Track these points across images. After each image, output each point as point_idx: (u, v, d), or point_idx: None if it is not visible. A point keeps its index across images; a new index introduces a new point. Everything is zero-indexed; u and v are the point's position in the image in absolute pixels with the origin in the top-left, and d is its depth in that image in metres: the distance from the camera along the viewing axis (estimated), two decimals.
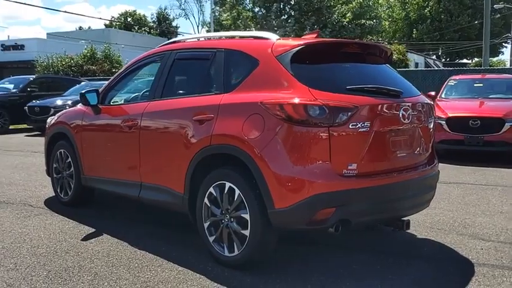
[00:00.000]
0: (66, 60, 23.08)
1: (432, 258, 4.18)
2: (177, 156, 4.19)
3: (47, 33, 55.93)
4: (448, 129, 9.57)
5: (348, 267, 3.93)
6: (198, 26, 67.48)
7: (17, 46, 37.85)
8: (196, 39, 4.74)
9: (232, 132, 3.75)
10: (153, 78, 4.78)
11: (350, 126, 3.50)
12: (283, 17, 17.65)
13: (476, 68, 21.62)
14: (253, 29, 18.58)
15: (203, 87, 4.26)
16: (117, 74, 5.46)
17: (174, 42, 4.88)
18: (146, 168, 4.62)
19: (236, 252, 3.79)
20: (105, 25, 58.05)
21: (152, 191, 4.55)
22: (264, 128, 3.57)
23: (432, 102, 4.39)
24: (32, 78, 17.58)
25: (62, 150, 5.88)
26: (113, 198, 6.00)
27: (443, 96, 11.05)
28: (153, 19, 67.49)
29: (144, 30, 63.07)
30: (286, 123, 3.49)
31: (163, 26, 63.34)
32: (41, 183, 7.13)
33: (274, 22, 17.44)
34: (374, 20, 20.38)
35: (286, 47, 3.81)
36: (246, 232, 3.69)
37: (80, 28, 60.38)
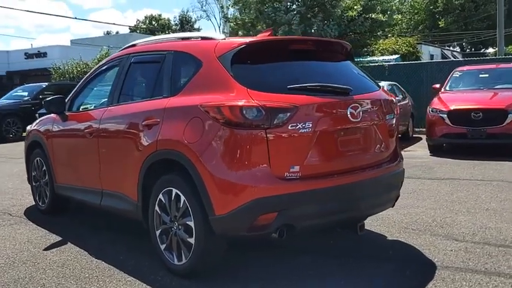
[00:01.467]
0: (81, 66, 23.29)
1: (393, 262, 3.99)
2: (130, 162, 4.10)
3: (71, 40, 56.93)
4: (449, 123, 9.29)
5: (301, 270, 3.78)
6: (219, 27, 67.68)
7: (40, 54, 38.50)
8: (152, 42, 4.63)
9: (174, 137, 3.64)
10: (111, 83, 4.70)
11: (289, 127, 3.33)
12: (290, 13, 17.36)
13: (489, 58, 20.98)
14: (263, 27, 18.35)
15: (154, 90, 4.15)
16: (83, 79, 5.41)
17: (133, 45, 4.79)
18: (105, 175, 4.55)
19: (184, 260, 3.67)
20: (130, 30, 58.69)
21: (112, 199, 4.48)
22: (203, 131, 3.44)
23: (392, 98, 4.18)
24: (44, 86, 17.81)
25: (38, 159, 5.88)
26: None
27: (447, 88, 10.70)
28: (176, 22, 67.93)
29: (168, 33, 63.43)
30: (223, 127, 3.35)
31: (186, 29, 63.68)
32: (29, 192, 7.14)
33: (282, 19, 17.19)
34: (385, 13, 19.98)
35: (228, 47, 3.67)
36: (192, 240, 3.57)
37: (108, 33, 61.14)
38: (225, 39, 3.94)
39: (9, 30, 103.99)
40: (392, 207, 4.20)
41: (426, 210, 5.44)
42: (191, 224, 3.56)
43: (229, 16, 20.69)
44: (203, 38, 4.08)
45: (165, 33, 61.93)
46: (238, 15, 20.15)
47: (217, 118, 3.38)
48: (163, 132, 3.75)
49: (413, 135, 13.08)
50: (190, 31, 60.29)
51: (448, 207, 5.55)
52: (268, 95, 3.39)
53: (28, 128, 6.32)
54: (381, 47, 20.56)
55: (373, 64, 16.83)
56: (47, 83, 18.68)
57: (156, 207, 3.87)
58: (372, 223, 4.93)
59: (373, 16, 19.32)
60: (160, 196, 3.81)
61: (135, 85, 4.57)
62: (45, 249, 4.57)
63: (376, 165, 3.86)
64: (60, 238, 4.88)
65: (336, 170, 3.59)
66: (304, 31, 17.24)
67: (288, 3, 18.27)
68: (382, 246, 4.42)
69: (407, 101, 12.75)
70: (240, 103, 3.32)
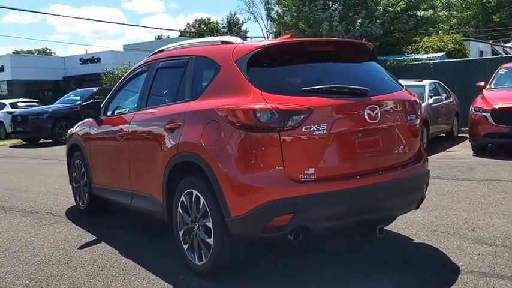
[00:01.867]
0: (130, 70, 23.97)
1: (418, 265, 3.92)
2: (155, 164, 4.23)
3: (123, 46, 58.61)
4: (493, 122, 8.98)
5: (320, 272, 3.79)
6: (266, 28, 67.85)
7: (94, 59, 39.95)
8: (178, 47, 4.75)
9: (194, 140, 3.74)
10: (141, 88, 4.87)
11: (303, 130, 3.35)
12: (328, 11, 17.15)
13: None
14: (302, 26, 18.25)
15: (177, 94, 4.27)
16: (117, 84, 5.61)
17: (161, 51, 4.93)
18: (135, 176, 4.71)
19: (204, 260, 3.76)
20: (180, 34, 59.78)
21: (141, 200, 4.63)
22: (219, 134, 3.52)
23: (415, 98, 4.09)
24: (95, 90, 18.46)
25: (77, 161, 6.14)
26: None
27: (492, 86, 10.34)
28: (224, 24, 68.58)
29: (215, 36, 63.98)
30: (238, 129, 3.41)
31: (234, 31, 64.20)
32: None
33: (320, 18, 17.05)
34: (431, 10, 19.41)
35: (245, 50, 3.72)
36: (211, 241, 3.65)
37: (159, 38, 62.46)
38: (243, 42, 4.00)
39: (67, 36, 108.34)
40: (417, 209, 4.13)
41: (459, 212, 5.30)
42: (210, 225, 3.64)
43: (273, 17, 20.72)
44: (223, 42, 4.15)
45: (211, 37, 62.70)
46: (282, 16, 20.14)
47: (232, 121, 3.44)
48: (184, 135, 3.86)
49: (459, 135, 12.69)
50: (237, 33, 60.79)
51: (483, 209, 5.39)
52: (283, 97, 3.42)
53: (69, 131, 6.60)
54: (425, 45, 20.01)
55: (417, 62, 16.46)
56: (97, 88, 19.35)
57: (179, 208, 3.98)
58: (401, 225, 4.87)
59: (418, 13, 18.83)
60: (183, 197, 3.92)
61: (161, 89, 4.70)
62: (79, 248, 4.77)
63: (397, 166, 3.81)
64: (94, 237, 5.09)
65: (353, 171, 3.57)
66: (346, 29, 17.05)
67: (327, 2, 18.06)
68: (407, 249, 4.35)
69: (451, 99, 12.40)
70: (254, 106, 3.37)
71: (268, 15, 20.53)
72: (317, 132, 3.38)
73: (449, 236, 4.51)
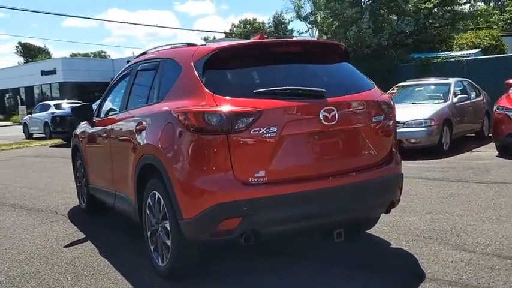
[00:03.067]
0: None
1: (385, 271, 3.79)
2: (128, 165, 4.29)
3: None
4: None
5: (289, 277, 3.73)
6: (310, 28, 67.36)
7: None
8: (156, 50, 4.79)
9: (153, 142, 3.77)
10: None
11: (252, 132, 3.30)
12: (356, 8, 16.76)
13: None
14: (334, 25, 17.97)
15: (148, 96, 4.31)
16: (108, 86, 5.72)
17: (144, 53, 4.99)
18: (116, 177, 4.79)
19: (165, 262, 3.78)
20: (225, 35, 60.31)
21: (120, 200, 4.71)
22: (174, 137, 3.52)
23: (386, 99, 3.93)
24: None
25: (79, 161, 6.31)
26: None
27: None
28: (270, 24, 68.57)
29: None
30: (189, 132, 3.41)
31: (280, 30, 64.05)
32: None
33: (348, 15, 16.74)
34: (468, 4, 18.64)
35: (203, 53, 3.71)
36: (169, 242, 3.67)
37: (206, 39, 63.20)
38: (205, 44, 3.98)
39: (122, 39, 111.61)
40: (387, 213, 3.99)
41: (452, 216, 5.09)
42: (168, 226, 3.66)
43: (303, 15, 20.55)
44: (188, 45, 4.16)
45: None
46: (314, 14, 19.94)
47: (184, 124, 3.44)
48: (147, 137, 3.90)
49: (489, 135, 12.15)
50: (284, 33, 60.61)
51: (480, 213, 5.15)
52: (234, 100, 3.38)
53: (74, 132, 6.79)
54: (459, 42, 19.23)
55: (449, 60, 15.86)
56: None
57: (147, 210, 4.02)
58: (386, 229, 4.74)
59: (454, 8, 18.11)
60: (149, 199, 3.95)
61: (138, 91, 4.75)
62: (65, 247, 4.90)
63: (361, 169, 3.68)
64: (83, 236, 5.21)
65: (309, 174, 3.49)
66: (375, 28, 16.64)
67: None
68: (379, 253, 4.22)
69: (481, 97, 11.89)
70: (204, 109, 3.36)
71: (298, 15, 20.33)
72: (267, 135, 3.32)
73: (430, 241, 4.34)
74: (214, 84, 3.51)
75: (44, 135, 20.93)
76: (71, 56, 58.43)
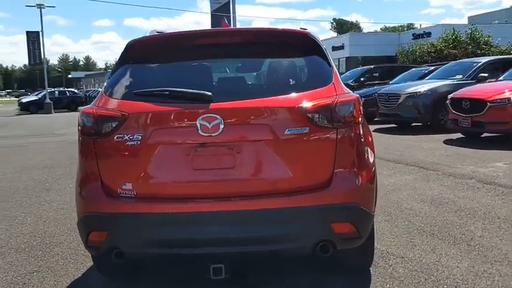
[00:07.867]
0: (425, 46, 22.54)
1: None
2: None
3: (468, 17, 54.74)
4: None
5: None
6: None
7: (423, 34, 39.25)
8: None
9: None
10: None
11: (115, 138, 2.92)
12: None
13: None
14: None
15: None
16: None
17: None
18: None
19: None
20: None
21: None
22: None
23: (321, 104, 2.86)
24: (365, 69, 18.46)
25: None
26: None
27: None
28: None
29: None
30: (78, 133, 3.21)
31: None
32: None
33: None
34: None
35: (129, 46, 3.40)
36: None
37: None
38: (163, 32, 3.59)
39: (440, 10, 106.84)
40: (325, 254, 2.95)
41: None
42: None
43: None
44: (158, 32, 3.79)
45: None
46: None
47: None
48: None
49: None
50: None
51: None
52: (114, 101, 3.06)
53: None
54: None
55: None
56: (366, 67, 19.20)
57: None
58: None
59: None
60: None
61: None
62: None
63: (260, 194, 2.83)
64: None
65: (188, 193, 2.89)
66: None
67: None
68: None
69: None
70: (85, 109, 3.15)
71: None
72: (130, 143, 2.90)
73: None
74: (110, 84, 3.25)
75: None
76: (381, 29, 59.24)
